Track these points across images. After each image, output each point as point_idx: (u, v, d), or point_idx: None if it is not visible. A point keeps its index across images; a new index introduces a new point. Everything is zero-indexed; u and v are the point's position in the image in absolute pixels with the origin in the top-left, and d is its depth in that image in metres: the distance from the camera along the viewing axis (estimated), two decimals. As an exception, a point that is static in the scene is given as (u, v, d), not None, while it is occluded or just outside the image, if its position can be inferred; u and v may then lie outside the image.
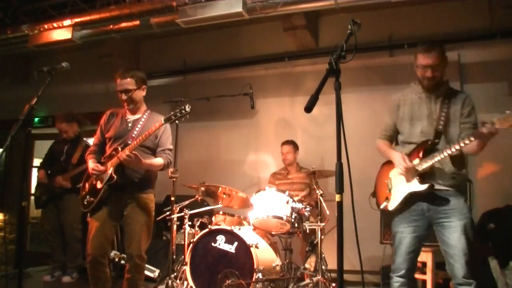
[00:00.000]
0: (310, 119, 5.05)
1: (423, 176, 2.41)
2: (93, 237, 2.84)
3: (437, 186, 2.40)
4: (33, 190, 4.90)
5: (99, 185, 2.90)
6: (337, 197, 1.79)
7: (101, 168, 2.88)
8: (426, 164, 2.38)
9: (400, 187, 2.51)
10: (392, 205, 2.54)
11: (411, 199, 2.47)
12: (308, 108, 1.84)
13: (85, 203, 2.98)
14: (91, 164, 2.94)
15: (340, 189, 1.79)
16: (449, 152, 2.29)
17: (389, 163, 2.65)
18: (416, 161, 2.43)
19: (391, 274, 2.55)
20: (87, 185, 3.04)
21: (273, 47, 5.39)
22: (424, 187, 2.39)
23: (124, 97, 2.95)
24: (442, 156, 2.32)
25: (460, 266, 2.31)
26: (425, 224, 2.47)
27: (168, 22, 4.48)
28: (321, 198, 3.60)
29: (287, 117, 5.29)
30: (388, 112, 2.70)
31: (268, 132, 5.35)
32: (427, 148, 2.42)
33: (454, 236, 2.34)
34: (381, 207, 2.62)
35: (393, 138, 2.71)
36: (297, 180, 4.41)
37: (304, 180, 4.38)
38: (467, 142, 2.22)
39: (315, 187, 3.73)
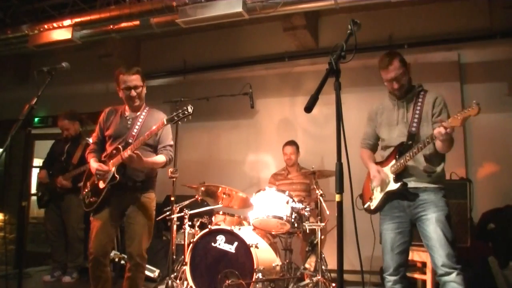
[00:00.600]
0: (310, 119, 5.05)
1: (399, 175, 2.52)
2: (96, 237, 2.84)
3: (412, 184, 2.51)
4: (33, 190, 4.90)
5: (101, 184, 2.89)
6: (337, 197, 1.80)
7: (105, 168, 2.86)
8: (396, 165, 2.52)
9: (380, 187, 2.63)
10: (373, 204, 2.66)
11: (389, 198, 2.58)
12: (308, 108, 1.85)
13: (87, 202, 2.98)
14: (94, 164, 2.93)
15: (340, 189, 1.80)
16: (415, 151, 2.42)
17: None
18: (392, 162, 2.57)
19: (384, 274, 2.60)
20: (88, 184, 3.03)
21: (273, 47, 5.39)
22: (397, 185, 2.50)
23: (134, 93, 2.94)
24: (408, 156, 2.44)
25: (438, 256, 2.36)
26: (408, 221, 2.55)
27: (168, 22, 4.48)
28: (321, 198, 3.60)
29: (287, 117, 5.29)
30: (368, 120, 2.84)
31: (268, 132, 5.35)
32: (401, 150, 2.53)
33: (430, 228, 2.41)
34: (365, 206, 2.74)
35: (374, 146, 2.83)
36: (297, 180, 4.41)
37: (304, 180, 4.38)
38: (428, 141, 2.36)
39: (315, 187, 3.73)
